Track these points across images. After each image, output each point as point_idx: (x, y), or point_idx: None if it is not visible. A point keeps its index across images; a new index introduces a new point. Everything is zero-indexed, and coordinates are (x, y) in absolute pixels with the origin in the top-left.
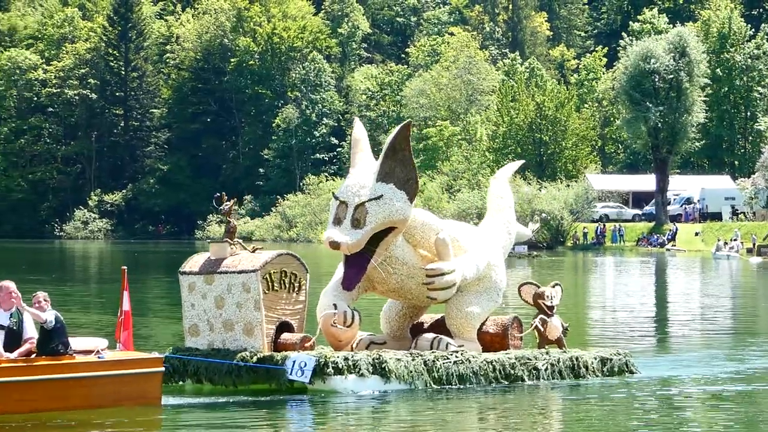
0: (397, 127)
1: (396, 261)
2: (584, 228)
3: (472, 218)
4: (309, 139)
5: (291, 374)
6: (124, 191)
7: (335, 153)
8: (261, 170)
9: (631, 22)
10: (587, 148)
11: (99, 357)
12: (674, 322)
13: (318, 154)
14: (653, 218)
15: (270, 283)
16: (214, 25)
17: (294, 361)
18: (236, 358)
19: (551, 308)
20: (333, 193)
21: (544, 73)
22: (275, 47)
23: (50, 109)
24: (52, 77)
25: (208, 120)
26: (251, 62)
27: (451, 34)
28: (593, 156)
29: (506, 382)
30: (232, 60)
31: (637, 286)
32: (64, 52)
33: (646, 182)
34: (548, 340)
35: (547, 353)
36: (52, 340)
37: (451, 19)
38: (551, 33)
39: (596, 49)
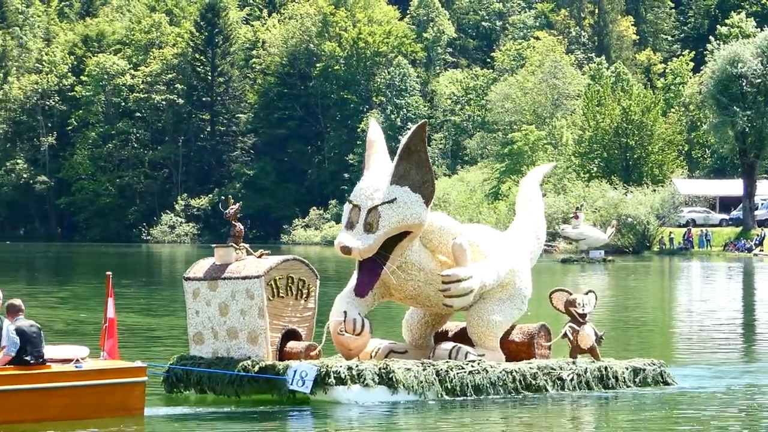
0: (413, 127)
1: (412, 267)
2: (671, 233)
3: (557, 222)
4: (394, 144)
5: (292, 384)
6: (210, 196)
7: None
8: (346, 175)
9: (718, 26)
10: (674, 153)
11: (77, 366)
12: (749, 331)
13: None
14: (740, 223)
15: (275, 290)
16: (299, 30)
17: (295, 371)
18: (237, 367)
19: (583, 316)
20: (346, 196)
21: (630, 78)
22: (360, 52)
23: (138, 114)
24: (140, 82)
25: (294, 125)
26: (336, 67)
27: (537, 38)
28: (680, 160)
29: (527, 393)
30: (318, 65)
31: (721, 292)
32: (151, 57)
33: (733, 187)
34: (580, 349)
35: (573, 363)
36: (24, 350)
37: (537, 24)
38: (637, 37)
39: (683, 53)
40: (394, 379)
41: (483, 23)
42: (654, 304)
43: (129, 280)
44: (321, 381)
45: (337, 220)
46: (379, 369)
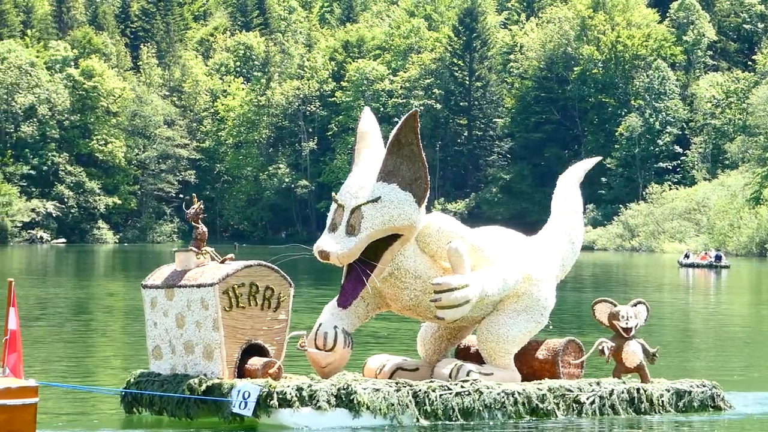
0: (403, 118)
1: (407, 274)
2: None
3: None
4: (652, 148)
5: (234, 406)
6: (467, 200)
7: (679, 162)
8: (603, 179)
9: None
10: None
11: None
12: None
13: (661, 163)
14: None
15: (235, 299)
16: (557, 33)
17: (239, 391)
18: (183, 386)
19: (627, 330)
20: (332, 194)
21: None
22: (619, 55)
23: (396, 120)
24: (398, 87)
25: (551, 129)
26: (595, 71)
27: None
28: None
29: (532, 418)
30: (576, 68)
31: None
32: (410, 62)
33: None
34: (626, 368)
35: (597, 383)
36: None
37: None
38: None
39: None
40: (355, 401)
41: (744, 25)
42: None
43: None
44: (264, 402)
45: (594, 225)
46: (338, 390)
